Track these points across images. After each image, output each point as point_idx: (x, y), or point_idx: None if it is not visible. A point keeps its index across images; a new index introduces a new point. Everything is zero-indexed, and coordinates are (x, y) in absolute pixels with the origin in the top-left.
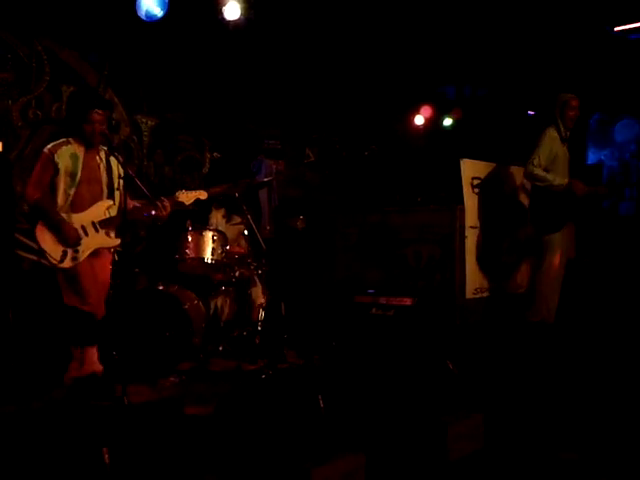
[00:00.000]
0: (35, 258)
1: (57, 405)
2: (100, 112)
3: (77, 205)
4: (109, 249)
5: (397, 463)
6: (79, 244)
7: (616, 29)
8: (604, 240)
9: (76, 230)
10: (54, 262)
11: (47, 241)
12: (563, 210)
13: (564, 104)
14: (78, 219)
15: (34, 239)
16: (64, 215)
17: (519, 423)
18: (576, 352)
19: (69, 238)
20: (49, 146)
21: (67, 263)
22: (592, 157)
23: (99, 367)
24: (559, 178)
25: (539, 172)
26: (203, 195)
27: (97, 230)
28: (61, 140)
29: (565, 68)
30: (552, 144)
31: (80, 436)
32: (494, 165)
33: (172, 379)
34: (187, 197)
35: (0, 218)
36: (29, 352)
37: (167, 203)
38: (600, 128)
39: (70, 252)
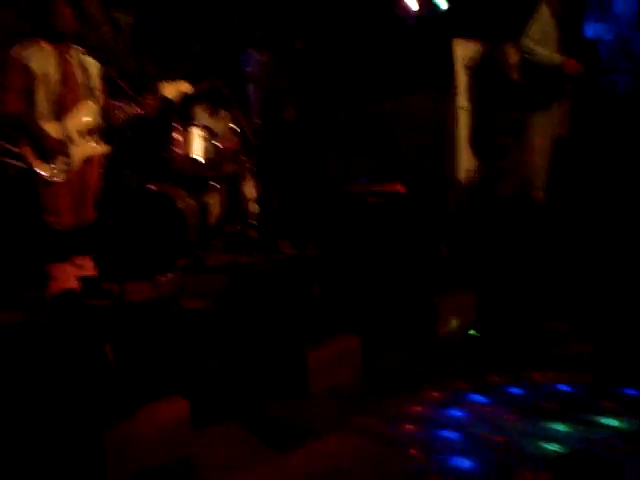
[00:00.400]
0: (22, 165)
1: (54, 309)
2: (65, 5)
3: (58, 111)
4: (99, 156)
5: (391, 342)
6: (68, 155)
7: None
8: (600, 118)
9: (57, 141)
10: (45, 176)
11: (34, 159)
12: (551, 87)
13: None
14: (62, 127)
15: (20, 156)
16: (47, 125)
17: (510, 300)
18: (566, 230)
19: (52, 148)
20: (16, 48)
21: (60, 176)
22: (590, 31)
23: (74, 284)
24: (549, 52)
25: (531, 44)
26: (188, 89)
27: (84, 137)
28: (26, 40)
29: None
30: (544, 19)
31: (82, 336)
32: (487, 44)
33: (170, 275)
34: (171, 90)
35: None
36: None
37: (152, 101)
38: (599, 0)
39: (60, 164)
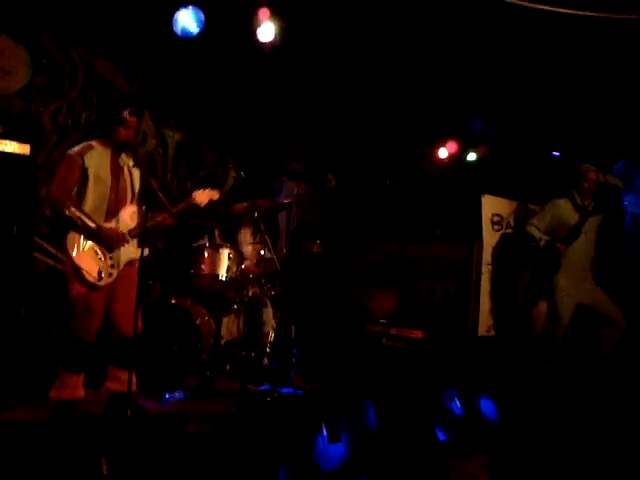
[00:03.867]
0: (51, 262)
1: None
2: (134, 118)
3: (108, 212)
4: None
5: None
6: (117, 254)
7: None
8: (623, 286)
9: (120, 233)
10: (92, 280)
11: (81, 257)
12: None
13: (580, 175)
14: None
15: (61, 247)
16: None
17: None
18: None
19: (112, 242)
20: (75, 149)
21: (105, 280)
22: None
23: (81, 393)
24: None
25: (532, 231)
26: (215, 195)
27: (127, 241)
28: (85, 144)
29: (593, 111)
30: (554, 212)
31: (79, 447)
32: (515, 203)
33: (177, 395)
34: (203, 197)
35: (22, 220)
36: (34, 353)
37: (180, 206)
38: (625, 174)
39: (106, 268)
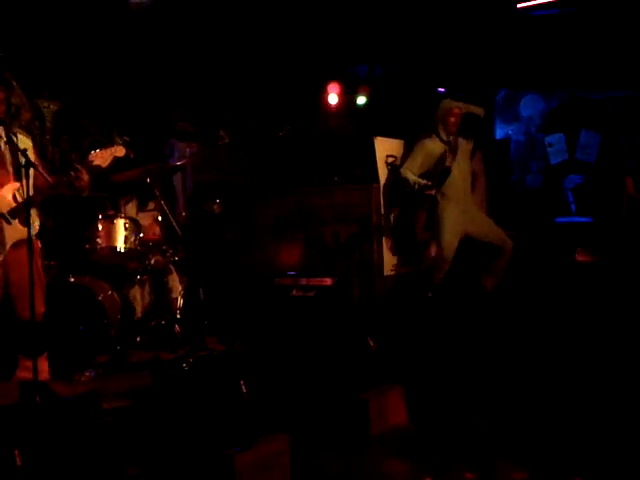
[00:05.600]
0: None
1: None
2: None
3: None
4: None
5: (321, 441)
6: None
7: (519, 6)
8: (514, 212)
9: None
10: None
11: None
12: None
13: (444, 111)
14: None
15: None
16: None
17: (437, 394)
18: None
19: None
20: None
21: None
22: (500, 132)
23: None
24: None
25: (407, 174)
26: (120, 151)
27: (9, 222)
28: None
29: (472, 46)
30: (423, 151)
31: None
32: (404, 141)
33: (88, 373)
34: (102, 157)
35: None
36: None
37: (82, 171)
38: (507, 104)
39: None
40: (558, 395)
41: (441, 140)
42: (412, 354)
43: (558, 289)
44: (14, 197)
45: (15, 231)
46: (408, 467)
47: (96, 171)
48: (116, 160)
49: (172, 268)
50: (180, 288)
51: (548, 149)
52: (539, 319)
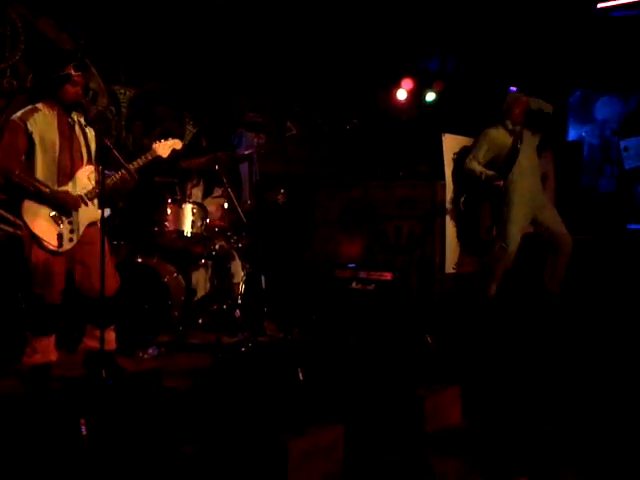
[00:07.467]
0: (11, 230)
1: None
2: (79, 73)
3: (62, 176)
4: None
5: (375, 434)
6: (76, 218)
7: (599, 6)
8: (583, 216)
9: (75, 196)
10: (51, 247)
11: (39, 225)
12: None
13: (511, 102)
14: (70, 189)
15: (18, 214)
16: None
17: (496, 395)
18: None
19: (69, 205)
20: (18, 114)
21: (66, 245)
22: (573, 133)
23: (53, 356)
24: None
25: (473, 165)
26: (178, 145)
27: (86, 203)
28: (29, 107)
29: (547, 45)
30: (489, 140)
31: (56, 409)
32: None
33: (151, 351)
34: (163, 148)
35: None
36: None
37: (141, 161)
38: (581, 105)
39: (66, 233)
40: (628, 405)
41: (506, 129)
42: (471, 355)
43: (628, 297)
44: (90, 180)
45: (89, 214)
46: (460, 467)
47: (158, 161)
48: (175, 152)
49: (235, 254)
50: (242, 274)
51: (623, 153)
52: (608, 326)
